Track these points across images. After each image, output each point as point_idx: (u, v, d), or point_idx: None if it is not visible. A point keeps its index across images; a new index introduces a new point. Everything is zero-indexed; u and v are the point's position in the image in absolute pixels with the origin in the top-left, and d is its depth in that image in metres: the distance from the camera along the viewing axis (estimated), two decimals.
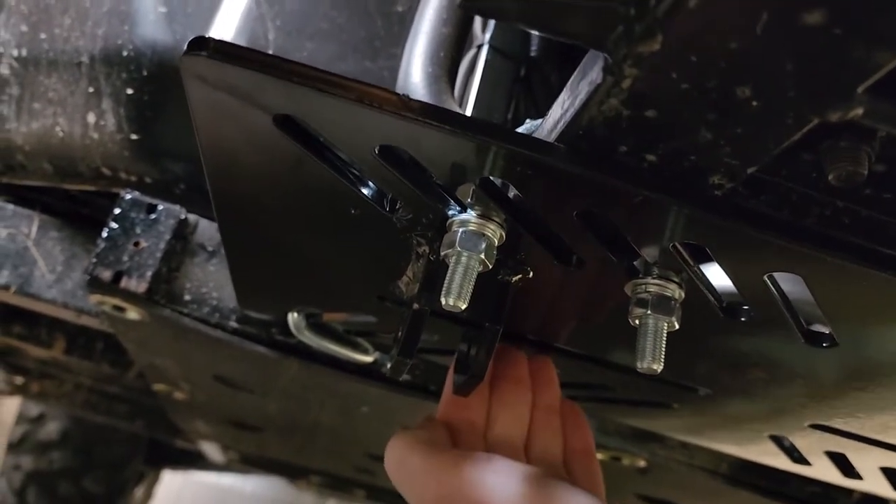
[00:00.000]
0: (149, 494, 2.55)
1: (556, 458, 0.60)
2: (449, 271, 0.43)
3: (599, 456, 0.83)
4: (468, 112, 0.72)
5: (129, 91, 0.80)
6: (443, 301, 0.43)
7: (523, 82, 0.79)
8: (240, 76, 0.37)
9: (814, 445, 0.67)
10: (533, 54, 0.79)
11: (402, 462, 0.58)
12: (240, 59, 0.36)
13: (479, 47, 0.77)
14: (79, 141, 0.84)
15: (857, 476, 0.72)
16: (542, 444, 0.61)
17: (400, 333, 0.50)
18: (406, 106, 0.37)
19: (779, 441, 0.69)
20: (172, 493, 3.02)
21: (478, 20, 0.77)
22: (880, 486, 0.73)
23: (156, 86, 0.80)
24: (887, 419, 0.57)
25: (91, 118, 0.83)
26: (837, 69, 0.29)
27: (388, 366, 0.50)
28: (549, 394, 0.63)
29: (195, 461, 2.27)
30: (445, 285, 0.43)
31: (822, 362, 0.51)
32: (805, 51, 0.28)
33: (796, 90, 0.30)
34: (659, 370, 0.44)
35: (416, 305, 0.48)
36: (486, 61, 0.75)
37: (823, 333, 0.47)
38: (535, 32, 0.72)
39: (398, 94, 0.37)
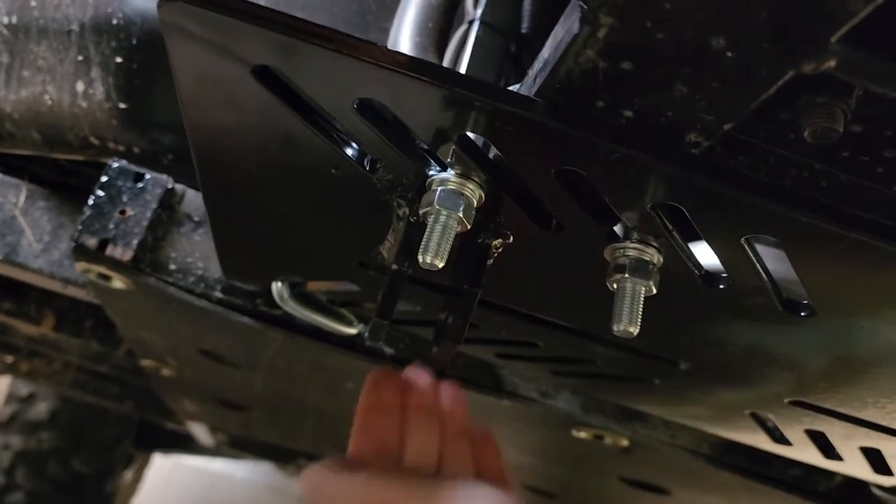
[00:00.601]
0: (138, 477, 2.56)
1: (467, 479, 0.64)
2: (427, 230, 0.43)
3: (582, 434, 0.83)
4: None
5: (119, 60, 0.80)
6: (420, 259, 0.43)
7: (514, 59, 0.79)
8: (217, 23, 0.36)
9: (795, 424, 0.67)
10: (524, 31, 0.79)
11: (318, 488, 0.61)
12: (216, 5, 0.36)
13: (471, 23, 0.76)
14: (67, 110, 0.83)
15: (838, 457, 0.72)
16: (453, 469, 0.64)
17: (379, 296, 0.50)
18: (384, 56, 0.37)
19: (760, 420, 0.69)
20: (162, 478, 3.02)
21: None
22: (860, 468, 0.73)
23: (145, 55, 0.79)
24: (866, 394, 0.57)
25: (80, 87, 0.83)
26: (810, 17, 0.29)
27: (369, 327, 0.50)
28: (458, 420, 0.66)
29: (185, 445, 2.27)
30: (423, 243, 0.43)
31: (802, 335, 0.51)
32: None
33: (770, 41, 0.30)
34: (635, 333, 0.44)
35: (394, 266, 0.48)
36: (477, 37, 0.75)
37: (801, 303, 0.48)
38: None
39: (377, 45, 0.37)
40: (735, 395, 0.65)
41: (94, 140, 0.84)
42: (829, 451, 0.71)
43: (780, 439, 0.72)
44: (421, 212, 0.44)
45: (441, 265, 0.43)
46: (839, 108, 0.34)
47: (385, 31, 0.84)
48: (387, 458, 0.63)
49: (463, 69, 0.73)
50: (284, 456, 1.95)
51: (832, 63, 0.30)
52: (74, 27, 0.82)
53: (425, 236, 0.43)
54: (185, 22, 0.38)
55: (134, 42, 0.79)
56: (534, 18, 0.78)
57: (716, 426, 0.76)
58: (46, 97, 0.83)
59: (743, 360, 0.57)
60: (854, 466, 0.74)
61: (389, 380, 0.70)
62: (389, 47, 0.66)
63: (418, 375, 0.70)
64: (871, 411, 0.60)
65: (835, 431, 0.66)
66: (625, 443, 0.83)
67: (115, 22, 0.80)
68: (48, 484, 2.08)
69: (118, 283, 0.78)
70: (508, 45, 0.77)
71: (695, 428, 0.79)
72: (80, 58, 0.82)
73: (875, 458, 0.70)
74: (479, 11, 0.75)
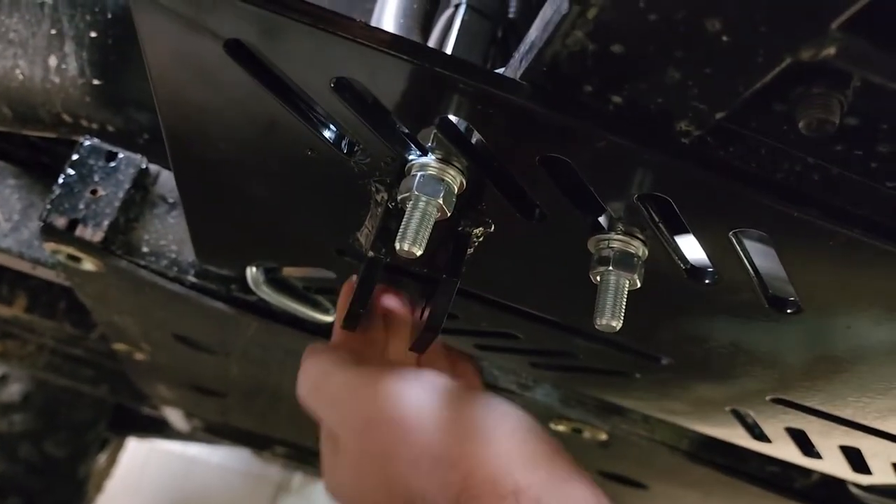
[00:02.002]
0: (112, 461, 2.53)
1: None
2: (405, 216, 0.41)
3: (561, 427, 0.82)
4: None
5: (93, 34, 0.77)
6: (397, 246, 0.41)
7: (500, 44, 0.78)
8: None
9: (775, 421, 0.66)
10: (511, 16, 0.78)
11: (319, 385, 0.61)
12: None
13: (457, 6, 0.74)
14: (39, 85, 0.81)
15: (817, 455, 0.71)
16: (432, 367, 0.64)
17: (355, 283, 0.48)
18: (363, 32, 0.35)
19: (740, 416, 0.68)
20: (138, 462, 2.99)
21: None
22: (839, 466, 0.73)
23: (120, 29, 0.77)
24: (848, 393, 0.56)
25: (52, 62, 0.80)
26: (811, 2, 0.27)
27: (344, 316, 0.48)
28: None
29: (160, 429, 2.25)
30: (401, 230, 0.41)
31: (786, 333, 0.50)
32: None
33: (768, 24, 0.29)
34: (617, 327, 0.43)
35: (371, 253, 0.46)
36: (463, 21, 0.73)
37: (788, 300, 0.46)
38: None
39: (355, 20, 0.35)
40: (716, 392, 0.64)
41: (66, 117, 0.82)
42: (808, 448, 0.71)
43: (760, 436, 0.71)
44: (399, 197, 0.42)
45: (419, 253, 0.41)
46: (836, 99, 0.33)
47: (369, 12, 0.82)
48: (375, 349, 0.63)
49: (448, 52, 0.71)
50: (261, 442, 1.93)
51: (832, 50, 0.29)
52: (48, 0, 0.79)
53: (403, 223, 0.41)
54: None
55: (109, 16, 0.77)
56: (521, 3, 0.77)
57: (696, 422, 0.75)
58: (17, 72, 0.81)
59: (726, 356, 0.56)
60: (833, 464, 0.73)
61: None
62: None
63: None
64: (853, 410, 0.59)
65: (815, 429, 0.65)
66: (603, 437, 0.82)
67: None
68: (20, 466, 2.05)
69: (88, 264, 0.75)
70: (495, 29, 0.75)
71: (674, 423, 0.78)
72: (53, 31, 0.79)
73: (854, 457, 0.69)
74: None
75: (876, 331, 0.47)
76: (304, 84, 0.39)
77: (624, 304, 0.43)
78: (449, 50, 0.72)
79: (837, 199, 0.38)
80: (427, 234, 0.41)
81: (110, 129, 0.82)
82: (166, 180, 0.78)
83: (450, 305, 0.48)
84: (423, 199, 0.41)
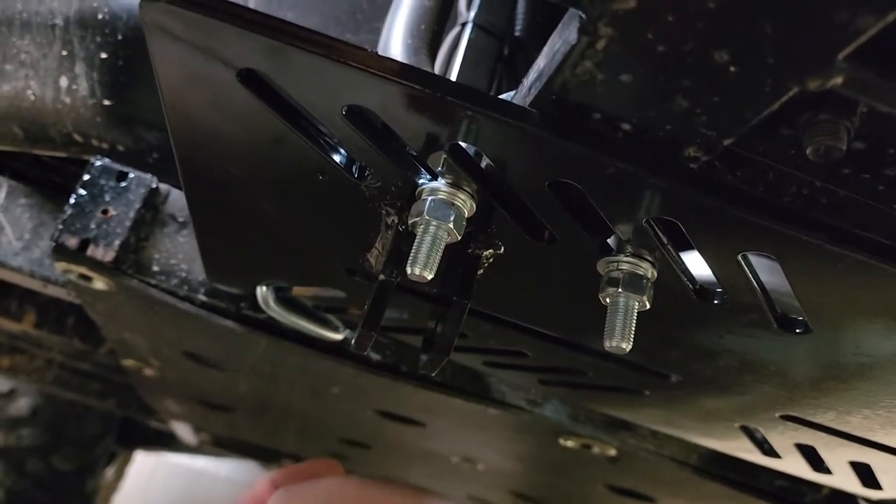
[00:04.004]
0: (120, 474, 2.53)
1: None
2: (416, 240, 0.42)
3: (570, 443, 0.82)
4: None
5: (104, 55, 0.78)
6: (408, 271, 0.41)
7: (507, 62, 0.78)
8: (200, 24, 0.35)
9: (784, 437, 0.66)
10: (517, 34, 0.78)
11: None
12: (200, 6, 0.34)
13: (463, 25, 0.75)
14: (50, 105, 0.82)
15: (827, 470, 0.71)
16: None
17: (366, 305, 0.48)
18: (375, 62, 0.35)
19: (749, 432, 0.68)
20: (145, 474, 2.99)
21: None
22: (849, 481, 0.72)
23: (131, 50, 0.78)
24: (858, 410, 0.56)
25: (63, 82, 0.81)
26: (818, 33, 0.28)
27: (355, 337, 0.49)
28: None
29: (168, 443, 2.25)
30: (412, 255, 0.41)
31: (795, 351, 0.50)
32: (786, 13, 0.27)
33: (775, 56, 0.29)
34: (627, 349, 0.43)
35: (382, 276, 0.47)
36: (470, 39, 0.74)
37: (797, 319, 0.47)
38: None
39: (367, 50, 0.35)
40: (725, 408, 0.64)
41: (77, 137, 0.83)
42: (818, 464, 0.71)
43: (770, 452, 0.71)
44: (410, 221, 0.43)
45: (430, 277, 0.42)
46: (843, 125, 0.33)
47: (377, 31, 0.83)
48: None
49: (455, 72, 0.72)
50: (268, 456, 1.93)
51: (839, 80, 0.29)
52: (59, 21, 0.80)
53: (414, 247, 0.42)
54: (167, 22, 0.36)
55: (119, 37, 0.78)
56: (527, 21, 0.77)
57: (705, 438, 0.75)
58: (29, 92, 0.82)
59: (735, 374, 0.56)
60: (843, 480, 0.73)
61: None
62: (380, 49, 0.65)
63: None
64: (863, 426, 0.59)
65: (825, 445, 0.65)
66: (612, 452, 0.82)
67: (100, 17, 0.78)
68: (28, 481, 2.06)
69: (99, 284, 0.76)
70: (501, 47, 0.76)
71: (683, 439, 0.78)
72: (64, 53, 0.80)
73: (864, 473, 0.69)
74: (472, 13, 0.74)
75: (885, 349, 0.47)
76: (316, 111, 0.40)
77: (633, 325, 0.43)
78: (456, 69, 0.72)
79: (845, 222, 0.39)
80: (438, 259, 0.42)
81: (120, 148, 0.82)
82: (176, 199, 0.79)
83: (460, 327, 0.48)
84: (434, 223, 0.42)
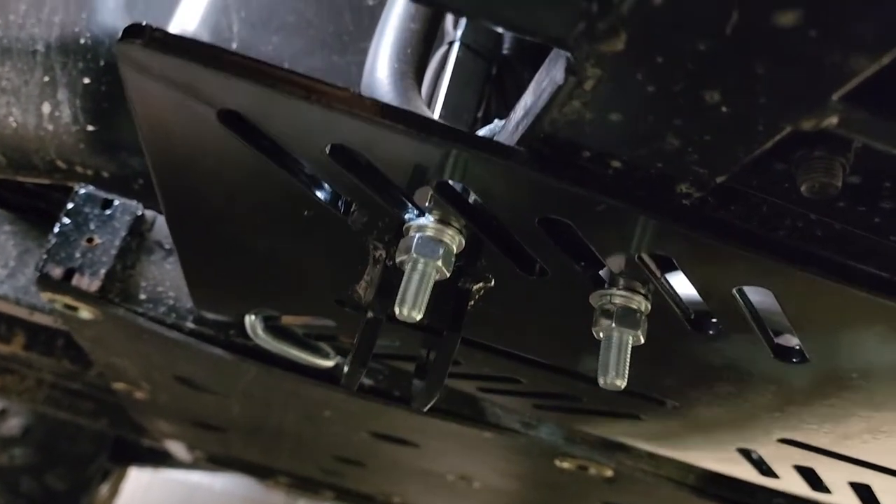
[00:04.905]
0: (115, 491, 2.51)
1: None
2: (404, 279, 0.41)
3: (566, 464, 0.81)
4: (436, 111, 0.70)
5: (86, 81, 0.77)
6: (396, 311, 0.40)
7: (495, 81, 0.77)
8: (178, 67, 0.34)
9: (783, 459, 0.65)
10: (505, 52, 0.77)
11: None
12: (177, 50, 0.33)
13: (451, 44, 0.74)
14: (33, 132, 0.81)
15: (826, 490, 0.70)
16: None
17: (355, 341, 0.47)
18: (358, 103, 0.35)
19: (747, 454, 0.67)
20: (140, 490, 2.96)
21: (449, 16, 0.74)
22: (849, 501, 0.72)
23: (114, 76, 0.77)
24: (856, 434, 0.55)
25: (46, 108, 0.80)
26: (812, 74, 0.27)
27: (343, 374, 0.48)
28: None
29: (162, 459, 2.23)
30: (400, 294, 0.40)
31: (791, 376, 0.49)
32: (778, 54, 0.26)
33: (768, 96, 0.28)
34: (622, 386, 0.42)
35: (370, 314, 0.46)
36: (457, 59, 0.73)
37: (793, 349, 0.46)
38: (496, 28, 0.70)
39: (350, 91, 0.35)
40: (723, 432, 0.63)
41: (61, 163, 0.82)
42: (817, 484, 0.70)
43: (768, 472, 0.70)
44: (398, 259, 0.42)
45: (419, 317, 0.41)
46: (838, 162, 0.32)
47: (363, 52, 0.82)
48: None
49: (442, 92, 0.71)
50: (264, 472, 1.91)
51: (833, 120, 0.29)
52: (40, 47, 0.79)
53: (402, 287, 0.41)
54: (144, 61, 0.35)
55: (102, 63, 0.77)
56: (515, 40, 0.76)
57: (702, 460, 0.74)
58: (11, 119, 0.80)
59: (731, 400, 0.55)
60: (842, 498, 0.72)
61: None
62: (366, 74, 0.64)
63: None
64: (862, 449, 0.58)
65: (824, 467, 0.65)
66: (609, 473, 0.81)
67: (82, 42, 0.77)
68: (22, 501, 2.04)
69: (85, 313, 0.75)
70: (490, 66, 0.75)
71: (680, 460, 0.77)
72: (46, 79, 0.79)
73: (864, 493, 0.68)
74: (459, 32, 0.73)
75: (885, 377, 0.46)
76: (299, 150, 0.39)
77: (628, 361, 0.42)
78: (443, 90, 0.71)
79: (842, 255, 0.38)
80: (426, 297, 0.41)
81: (105, 174, 0.81)
82: (162, 226, 0.77)
83: (451, 361, 0.47)
84: (422, 261, 0.41)
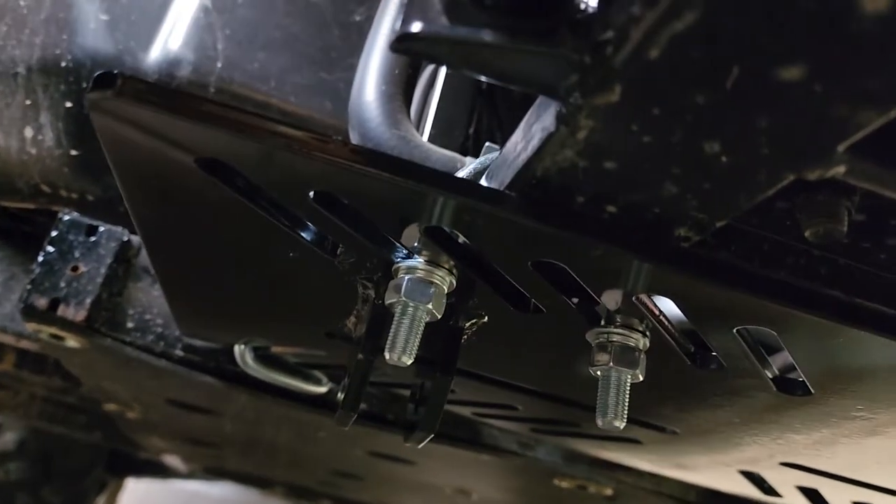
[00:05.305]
0: (112, 502, 2.49)
1: None
2: (394, 323, 0.39)
3: (565, 484, 0.80)
4: (427, 128, 0.69)
5: (69, 104, 0.76)
6: (387, 356, 0.39)
7: (486, 95, 0.76)
8: (153, 117, 0.33)
9: (786, 480, 0.64)
10: None
11: None
12: (151, 101, 0.32)
13: None
14: (15, 156, 0.79)
15: None
16: None
17: (344, 383, 0.46)
18: (341, 153, 0.33)
19: (749, 475, 0.66)
20: (137, 499, 2.95)
21: None
22: None
23: None
24: (860, 460, 0.54)
25: (28, 132, 0.78)
26: (817, 127, 0.25)
27: (336, 416, 0.46)
28: None
29: (159, 470, 2.21)
30: (390, 339, 0.39)
31: (794, 407, 0.48)
32: (781, 108, 0.25)
33: (770, 148, 0.27)
34: (622, 427, 0.41)
35: (359, 356, 0.44)
36: (448, 74, 0.71)
37: (797, 382, 0.44)
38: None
39: (332, 139, 0.33)
40: (725, 456, 0.62)
41: (45, 188, 0.80)
42: (820, 503, 0.69)
43: (770, 492, 0.69)
44: (387, 301, 0.40)
45: (409, 362, 0.39)
46: (843, 206, 0.31)
47: (351, 68, 0.80)
48: None
49: (433, 109, 0.70)
50: (260, 482, 1.90)
51: (840, 170, 0.27)
52: (21, 70, 0.77)
53: (392, 331, 0.39)
54: (118, 112, 0.34)
55: (84, 85, 0.75)
56: None
57: (703, 480, 0.73)
58: None
59: (734, 427, 0.54)
60: None
61: None
62: (354, 96, 0.63)
63: None
64: (866, 473, 0.57)
65: (828, 488, 0.63)
66: (609, 492, 0.80)
67: (63, 64, 0.75)
68: None
69: (72, 342, 0.73)
70: (480, 81, 0.73)
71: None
72: (28, 102, 0.77)
73: None
74: None
75: (889, 410, 0.45)
76: (282, 196, 0.37)
77: (627, 401, 0.41)
78: (433, 106, 0.70)
79: (846, 292, 0.36)
80: (417, 342, 0.39)
81: (90, 198, 0.79)
82: None
83: (444, 404, 0.46)
84: (412, 304, 0.39)
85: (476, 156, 0.57)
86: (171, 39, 0.77)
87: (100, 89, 0.32)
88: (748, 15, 0.22)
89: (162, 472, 2.20)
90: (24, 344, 0.87)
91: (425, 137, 0.67)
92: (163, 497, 3.06)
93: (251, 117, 0.32)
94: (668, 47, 0.23)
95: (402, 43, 0.27)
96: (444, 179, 0.34)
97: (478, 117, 0.76)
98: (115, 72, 0.32)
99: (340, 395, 0.47)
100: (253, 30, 0.79)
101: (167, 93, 0.32)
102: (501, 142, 0.77)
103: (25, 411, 1.76)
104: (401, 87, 0.63)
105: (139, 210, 0.44)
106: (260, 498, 2.96)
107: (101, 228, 0.73)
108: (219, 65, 0.77)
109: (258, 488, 2.04)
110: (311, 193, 0.36)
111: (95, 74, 0.33)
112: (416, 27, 0.27)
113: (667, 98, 0.26)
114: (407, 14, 0.27)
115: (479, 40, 0.26)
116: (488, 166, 0.43)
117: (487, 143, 0.56)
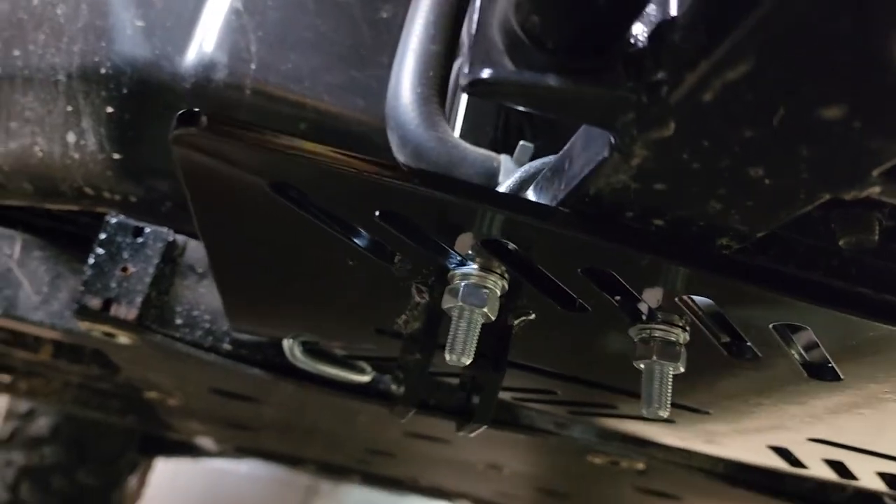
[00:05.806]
0: (143, 482, 2.55)
1: None
2: (452, 326, 0.42)
3: (598, 460, 0.83)
4: (458, 125, 0.71)
5: (109, 110, 0.78)
6: (447, 357, 0.42)
7: None
8: (232, 149, 0.35)
9: (813, 454, 0.67)
10: None
11: None
12: (234, 137, 0.34)
13: None
14: (59, 161, 0.82)
15: (853, 477, 0.72)
16: None
17: (402, 379, 0.49)
18: (406, 176, 0.36)
19: (777, 450, 0.69)
20: (167, 478, 3.01)
21: (465, 30, 0.75)
22: (876, 485, 0.74)
23: (137, 104, 0.78)
24: (884, 435, 0.57)
25: (71, 137, 0.81)
26: (854, 157, 0.28)
27: (394, 410, 0.50)
28: None
29: (189, 450, 2.26)
30: (449, 341, 0.42)
31: (825, 391, 0.51)
32: (821, 141, 0.27)
33: (810, 172, 0.29)
34: (665, 416, 0.44)
35: (417, 356, 0.47)
36: None
37: (827, 368, 0.47)
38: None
39: (398, 166, 0.36)
40: (756, 434, 0.65)
41: (88, 190, 0.83)
42: (845, 473, 0.72)
43: (797, 464, 0.72)
44: (445, 306, 0.43)
45: (468, 362, 0.42)
46: (875, 217, 0.33)
47: (382, 66, 0.82)
48: None
49: (462, 106, 0.72)
50: (291, 460, 1.95)
51: (875, 190, 0.30)
52: (61, 77, 0.80)
53: (451, 334, 0.42)
54: (200, 145, 0.36)
55: (125, 91, 0.77)
56: None
57: (731, 453, 0.76)
58: (36, 148, 0.81)
59: (764, 409, 0.57)
60: (869, 483, 0.74)
61: None
62: (390, 98, 0.65)
63: None
64: (892, 447, 0.60)
65: (853, 460, 0.66)
66: (641, 466, 0.83)
67: (103, 71, 0.78)
68: (54, 498, 2.07)
69: (123, 339, 0.77)
70: None
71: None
72: (70, 108, 0.80)
73: (891, 480, 0.70)
74: None
75: None
76: (350, 217, 0.40)
77: (670, 391, 0.44)
78: (464, 102, 0.72)
79: (876, 290, 0.39)
80: (475, 343, 0.42)
81: (133, 199, 0.82)
82: (194, 250, 0.79)
83: (497, 396, 0.49)
84: (468, 308, 0.42)
85: (507, 152, 0.60)
86: (204, 43, 0.79)
87: (184, 126, 0.35)
88: (794, 65, 0.25)
89: (192, 451, 2.25)
90: (73, 338, 0.91)
91: (457, 134, 0.69)
92: (191, 475, 3.14)
93: (324, 149, 0.35)
94: (722, 92, 0.26)
95: (473, 87, 0.30)
96: (502, 198, 0.36)
97: (506, 115, 0.77)
98: (196, 110, 0.35)
99: (394, 387, 0.50)
100: (284, 30, 0.81)
101: (245, 127, 0.35)
102: (530, 136, 0.79)
103: (59, 398, 1.80)
104: (435, 88, 0.66)
105: (208, 224, 0.47)
106: (287, 474, 3.03)
107: (147, 230, 0.77)
108: (253, 66, 0.79)
109: (288, 465, 2.09)
110: (377, 213, 0.39)
111: (178, 113, 0.35)
112: (485, 73, 0.29)
113: (717, 133, 0.28)
114: (473, 57, 0.30)
115: (545, 85, 0.28)
116: (533, 174, 0.46)
117: (522, 143, 0.58)
